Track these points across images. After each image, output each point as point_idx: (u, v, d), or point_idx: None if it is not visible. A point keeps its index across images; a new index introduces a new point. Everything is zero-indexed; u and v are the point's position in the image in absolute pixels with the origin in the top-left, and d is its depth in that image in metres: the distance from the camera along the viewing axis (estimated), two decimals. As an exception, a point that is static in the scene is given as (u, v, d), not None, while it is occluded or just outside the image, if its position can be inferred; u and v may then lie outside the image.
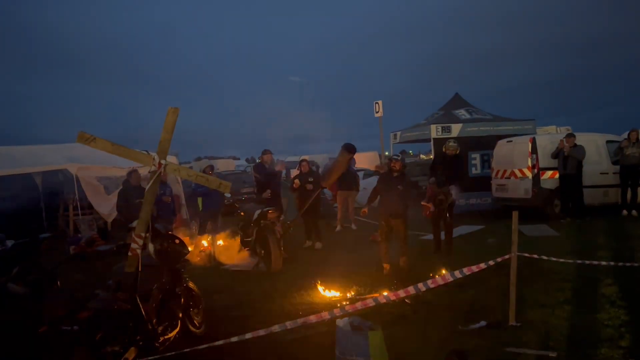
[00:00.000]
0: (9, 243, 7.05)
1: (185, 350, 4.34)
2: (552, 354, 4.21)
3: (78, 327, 3.84)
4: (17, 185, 13.20)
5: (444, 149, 9.73)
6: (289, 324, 4.21)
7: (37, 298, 6.26)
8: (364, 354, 4.01)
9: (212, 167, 10.38)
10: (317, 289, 6.67)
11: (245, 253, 9.32)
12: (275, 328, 4.19)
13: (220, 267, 9.06)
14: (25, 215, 12.87)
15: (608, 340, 4.40)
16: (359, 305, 4.59)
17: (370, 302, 4.39)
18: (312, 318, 4.46)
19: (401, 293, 4.47)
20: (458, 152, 9.56)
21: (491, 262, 4.76)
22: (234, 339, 4.29)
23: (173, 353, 4.25)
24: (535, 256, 5.02)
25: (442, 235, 8.81)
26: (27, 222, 12.31)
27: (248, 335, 4.24)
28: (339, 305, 5.98)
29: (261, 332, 4.23)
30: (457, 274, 4.46)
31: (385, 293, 4.53)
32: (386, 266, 7.67)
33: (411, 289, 4.50)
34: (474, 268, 4.59)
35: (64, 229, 13.11)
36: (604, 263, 5.92)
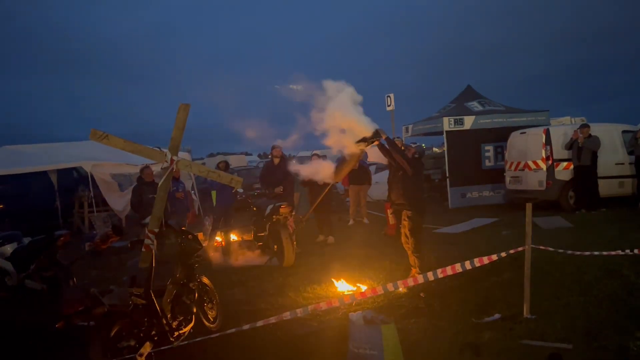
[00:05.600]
0: (26, 240, 7.15)
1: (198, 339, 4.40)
2: (568, 346, 4.18)
3: (94, 322, 3.89)
4: (33, 183, 13.41)
5: None
6: (299, 312, 4.26)
7: (53, 294, 6.37)
8: (378, 348, 4.01)
9: (227, 164, 10.37)
10: (330, 283, 6.68)
11: (258, 248, 9.35)
12: (287, 315, 4.25)
13: (233, 262, 9.10)
14: (41, 213, 13.08)
15: (624, 332, 4.35)
16: (368, 293, 4.65)
17: (379, 290, 4.41)
18: (323, 305, 4.52)
19: (409, 282, 4.47)
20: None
21: (503, 254, 4.72)
22: (246, 326, 4.37)
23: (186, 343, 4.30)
24: (550, 249, 4.97)
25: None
26: (43, 219, 12.50)
27: (259, 323, 4.31)
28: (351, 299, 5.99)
29: (272, 320, 4.30)
30: (468, 265, 4.43)
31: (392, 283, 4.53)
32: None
33: (420, 279, 4.52)
34: (485, 259, 4.56)
35: (79, 225, 13.26)
36: (621, 252, 5.79)
